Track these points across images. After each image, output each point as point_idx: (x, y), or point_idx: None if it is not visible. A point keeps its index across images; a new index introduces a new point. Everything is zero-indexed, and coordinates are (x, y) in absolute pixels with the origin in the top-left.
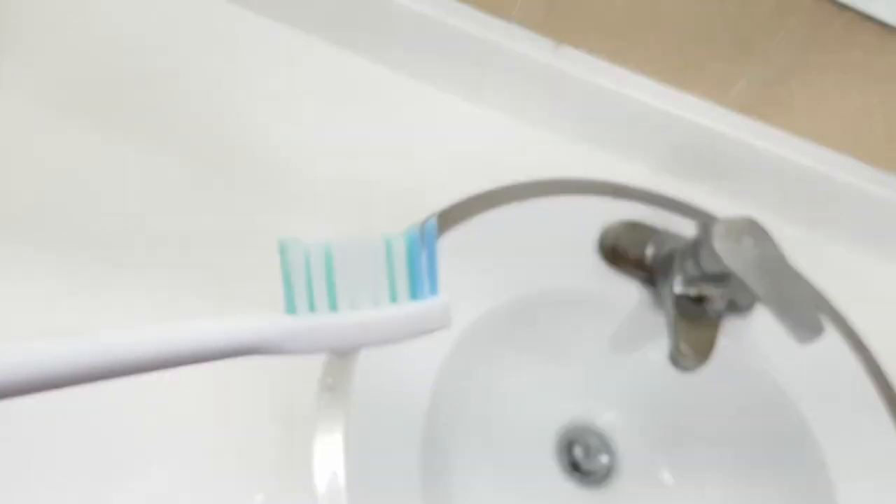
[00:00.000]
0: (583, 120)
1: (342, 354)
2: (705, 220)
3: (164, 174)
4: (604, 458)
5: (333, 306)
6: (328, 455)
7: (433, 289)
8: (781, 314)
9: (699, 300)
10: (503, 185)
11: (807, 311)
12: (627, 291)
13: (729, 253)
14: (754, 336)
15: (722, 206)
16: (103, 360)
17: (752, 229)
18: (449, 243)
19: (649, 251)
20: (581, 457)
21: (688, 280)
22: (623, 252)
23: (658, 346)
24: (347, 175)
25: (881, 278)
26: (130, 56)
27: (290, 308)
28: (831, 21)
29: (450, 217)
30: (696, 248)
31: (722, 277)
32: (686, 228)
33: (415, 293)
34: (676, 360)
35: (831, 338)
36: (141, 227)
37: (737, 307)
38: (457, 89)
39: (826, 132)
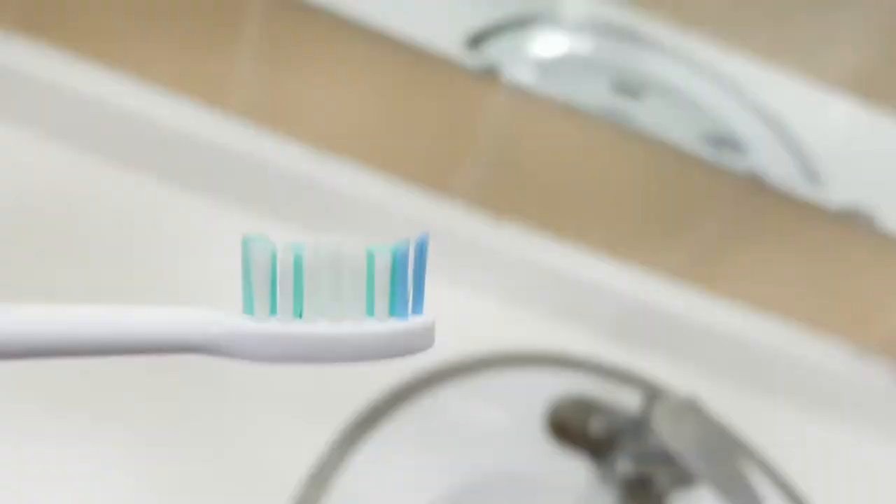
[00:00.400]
0: (526, 291)
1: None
2: (649, 396)
3: None
4: None
5: (298, 314)
6: None
7: (417, 307)
8: (724, 494)
9: (645, 479)
10: (446, 362)
11: (747, 490)
12: (575, 470)
13: (670, 434)
14: None
15: (667, 372)
16: (17, 335)
17: (691, 409)
18: (390, 430)
19: (595, 426)
20: None
21: (632, 459)
22: (569, 428)
23: None
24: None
25: (828, 445)
26: None
27: (248, 309)
28: (756, 199)
29: (391, 400)
30: (639, 427)
31: (665, 456)
32: (632, 399)
33: (395, 310)
34: None
35: None
36: None
37: (683, 480)
38: None
39: (761, 299)
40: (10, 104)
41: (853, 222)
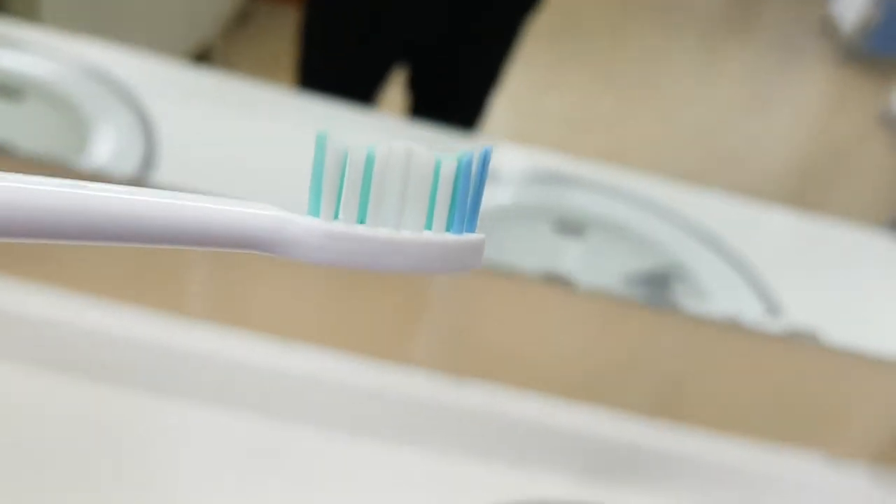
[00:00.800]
0: (495, 444)
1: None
2: None
3: None
4: None
5: (362, 219)
6: None
7: (471, 225)
8: None
9: None
10: None
11: None
12: None
13: None
14: None
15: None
16: (84, 213)
17: None
18: None
19: None
20: None
21: None
22: None
23: None
24: None
25: None
26: None
27: (314, 211)
28: (699, 330)
29: None
30: None
31: None
32: None
33: (452, 224)
34: None
35: None
36: None
37: None
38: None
39: (727, 425)
40: None
41: (799, 342)
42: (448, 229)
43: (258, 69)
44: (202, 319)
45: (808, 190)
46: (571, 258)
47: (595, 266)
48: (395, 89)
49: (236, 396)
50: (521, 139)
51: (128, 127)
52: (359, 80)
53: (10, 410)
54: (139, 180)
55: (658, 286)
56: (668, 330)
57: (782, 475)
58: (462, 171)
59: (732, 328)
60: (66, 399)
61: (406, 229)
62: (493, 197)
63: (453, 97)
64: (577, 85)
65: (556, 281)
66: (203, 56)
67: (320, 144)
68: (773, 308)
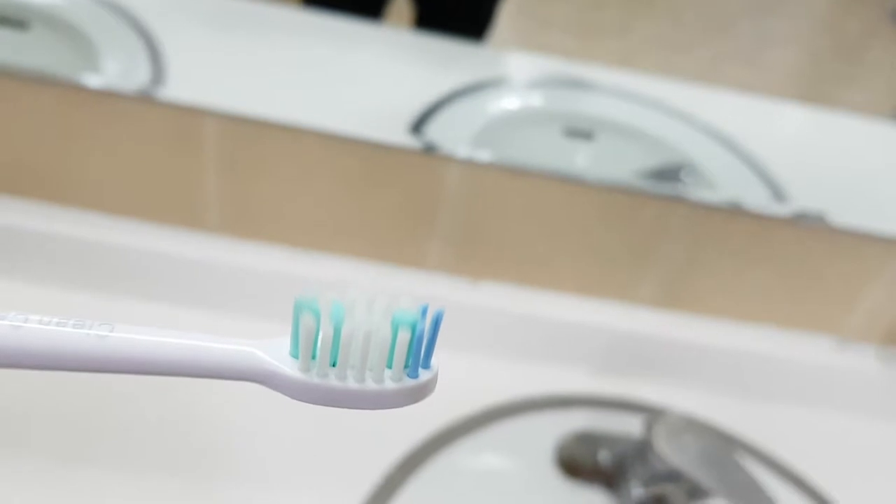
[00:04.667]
0: (513, 343)
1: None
2: (649, 420)
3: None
4: None
5: (333, 362)
6: None
7: (426, 363)
8: (736, 500)
9: (659, 500)
10: (452, 421)
11: (758, 493)
12: (591, 502)
13: (672, 452)
14: None
15: (662, 394)
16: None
17: (691, 426)
18: (408, 495)
19: (603, 457)
20: None
21: (644, 482)
22: (579, 463)
23: None
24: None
25: (826, 435)
26: None
27: (294, 352)
28: (708, 219)
29: (404, 467)
30: (644, 450)
31: (674, 474)
32: (635, 426)
33: (408, 369)
34: None
35: None
36: None
37: (697, 495)
38: None
39: (736, 312)
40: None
41: (806, 224)
42: (406, 368)
43: None
44: (218, 233)
45: (817, 86)
46: (581, 160)
47: (605, 166)
48: (401, 2)
49: (255, 307)
50: (530, 45)
51: (134, 51)
52: None
53: None
54: (147, 96)
55: (667, 182)
56: (678, 219)
57: (793, 359)
58: (416, 337)
59: (741, 213)
60: (90, 316)
61: (370, 370)
62: (503, 103)
63: (459, 5)
64: None
65: (567, 177)
66: None
67: (297, 309)
68: (781, 198)
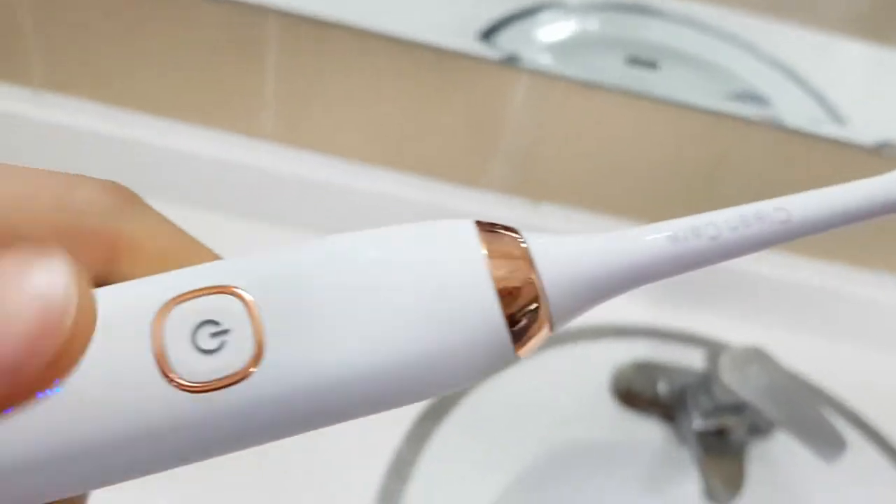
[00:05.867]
0: None
1: None
2: (712, 352)
3: None
4: None
5: None
6: None
7: None
8: (801, 436)
9: (720, 432)
10: None
11: (826, 429)
12: (648, 432)
13: (738, 383)
14: (782, 457)
15: (725, 326)
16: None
17: (758, 357)
18: (460, 417)
19: (662, 388)
20: None
21: (705, 414)
22: (637, 393)
23: (690, 482)
24: None
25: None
26: None
27: None
28: (785, 147)
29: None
30: (707, 381)
31: (737, 407)
32: (694, 358)
33: None
34: (710, 497)
35: (861, 449)
36: None
37: (759, 430)
38: None
39: (801, 246)
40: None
41: (885, 155)
42: None
43: None
44: (274, 140)
45: (883, 23)
46: (647, 86)
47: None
48: None
49: (312, 217)
50: None
51: None
52: None
53: None
54: None
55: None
56: (751, 141)
57: (856, 295)
58: None
59: (817, 138)
60: None
61: None
62: (563, 28)
63: None
64: None
65: (634, 97)
66: None
67: None
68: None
